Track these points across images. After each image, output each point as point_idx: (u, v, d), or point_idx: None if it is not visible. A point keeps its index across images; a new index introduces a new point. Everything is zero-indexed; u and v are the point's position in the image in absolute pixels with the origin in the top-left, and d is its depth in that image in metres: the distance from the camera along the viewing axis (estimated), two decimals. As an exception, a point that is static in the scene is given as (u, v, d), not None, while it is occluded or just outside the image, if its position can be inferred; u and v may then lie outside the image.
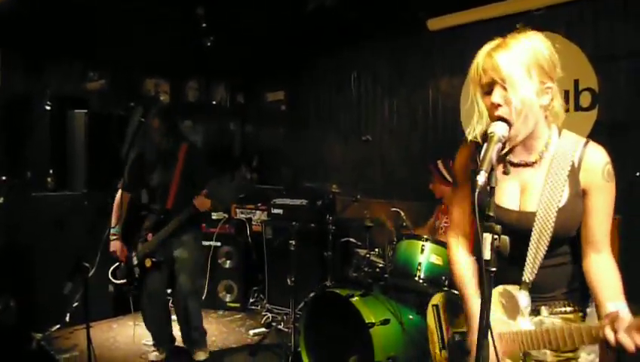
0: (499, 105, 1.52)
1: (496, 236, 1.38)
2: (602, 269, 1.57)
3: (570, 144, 1.60)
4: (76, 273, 3.00)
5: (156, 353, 3.93)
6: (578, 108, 3.90)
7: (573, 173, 1.57)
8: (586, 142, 1.59)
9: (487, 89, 1.56)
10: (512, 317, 1.60)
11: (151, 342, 4.02)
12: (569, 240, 1.62)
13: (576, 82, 3.90)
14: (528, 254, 1.58)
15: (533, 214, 1.58)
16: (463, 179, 1.81)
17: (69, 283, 3.11)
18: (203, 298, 4.80)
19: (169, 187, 3.67)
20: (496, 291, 1.63)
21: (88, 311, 2.91)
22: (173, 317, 4.03)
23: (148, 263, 3.65)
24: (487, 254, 1.38)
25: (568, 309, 1.64)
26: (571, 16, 3.96)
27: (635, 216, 3.41)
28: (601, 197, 1.57)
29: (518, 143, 1.57)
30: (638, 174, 3.62)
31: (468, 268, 1.80)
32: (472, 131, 1.66)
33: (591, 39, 3.87)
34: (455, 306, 1.85)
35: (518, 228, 1.60)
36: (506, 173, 1.65)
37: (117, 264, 3.77)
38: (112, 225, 3.76)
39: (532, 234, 1.57)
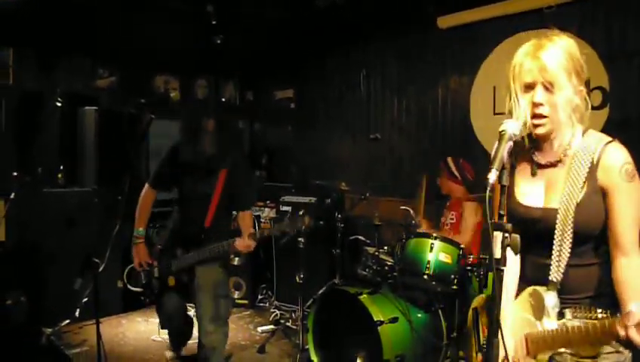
0: (540, 105, 1.55)
1: (506, 234, 1.38)
2: (629, 272, 1.54)
3: (593, 142, 1.60)
4: (86, 269, 3.01)
5: (172, 353, 3.90)
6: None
7: (592, 171, 1.57)
8: (609, 142, 1.60)
9: (526, 89, 1.59)
10: (539, 318, 1.59)
11: (159, 339, 4.03)
12: (595, 241, 1.61)
13: (586, 81, 3.86)
14: (553, 252, 1.58)
15: (556, 210, 1.59)
16: None
17: (79, 278, 3.14)
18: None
19: (209, 201, 3.21)
20: (527, 292, 1.64)
21: (98, 307, 2.92)
22: (189, 313, 3.90)
23: (172, 282, 3.30)
24: (497, 253, 1.38)
25: (593, 315, 1.57)
26: (583, 14, 3.93)
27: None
28: (621, 197, 1.55)
29: (547, 140, 1.62)
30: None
31: (509, 273, 1.70)
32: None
33: (602, 37, 3.84)
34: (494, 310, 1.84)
35: (543, 225, 1.61)
36: (533, 174, 1.68)
37: (133, 265, 3.46)
38: (137, 226, 3.37)
39: (555, 230, 1.58)
